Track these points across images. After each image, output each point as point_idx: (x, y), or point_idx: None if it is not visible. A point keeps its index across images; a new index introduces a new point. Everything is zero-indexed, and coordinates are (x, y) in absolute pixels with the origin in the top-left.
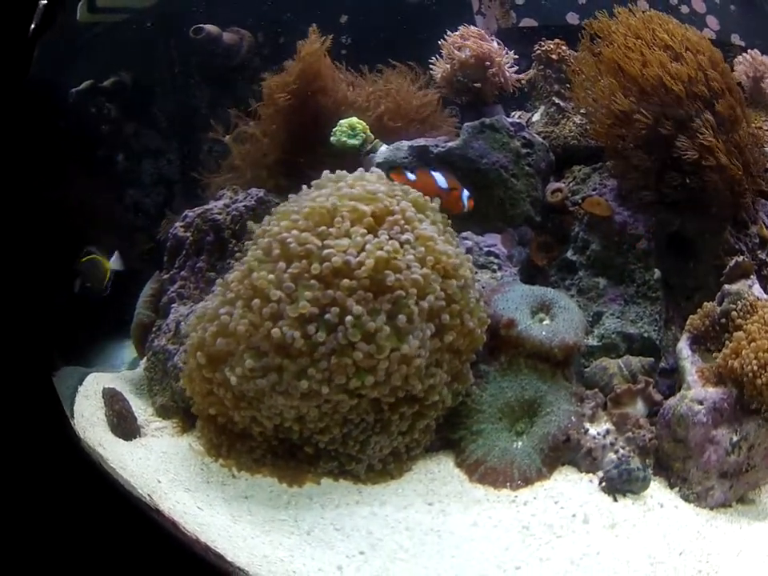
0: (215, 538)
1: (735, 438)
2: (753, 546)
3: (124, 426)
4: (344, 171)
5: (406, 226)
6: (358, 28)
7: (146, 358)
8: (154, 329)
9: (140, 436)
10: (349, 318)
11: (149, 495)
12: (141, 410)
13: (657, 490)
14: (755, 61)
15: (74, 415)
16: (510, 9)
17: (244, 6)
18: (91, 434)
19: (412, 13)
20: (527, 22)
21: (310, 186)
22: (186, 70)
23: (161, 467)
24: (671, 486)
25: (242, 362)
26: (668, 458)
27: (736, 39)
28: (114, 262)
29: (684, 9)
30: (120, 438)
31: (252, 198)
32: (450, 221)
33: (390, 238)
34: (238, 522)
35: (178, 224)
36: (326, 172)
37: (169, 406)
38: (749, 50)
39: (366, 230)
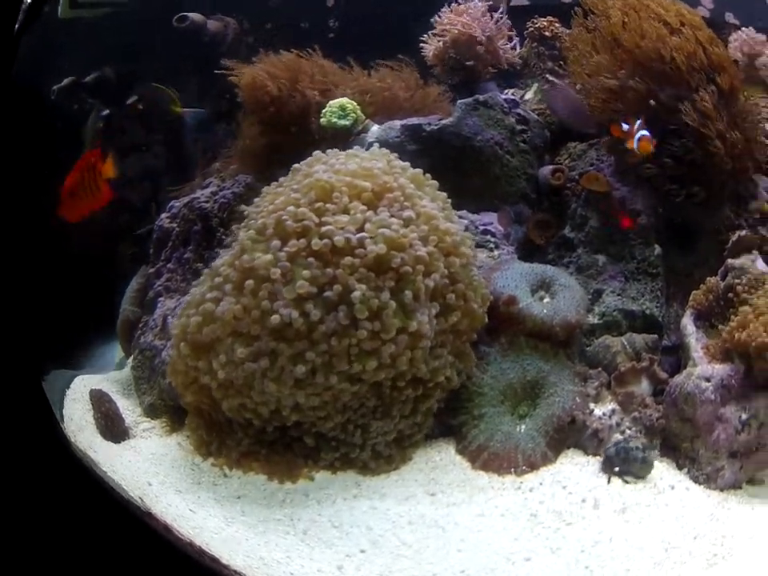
0: (209, 541)
1: (744, 416)
2: (766, 527)
3: (112, 428)
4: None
5: (405, 203)
6: (346, 11)
7: (132, 356)
8: (140, 325)
9: (129, 438)
10: (356, 293)
11: (140, 498)
12: (129, 410)
13: (665, 471)
14: (750, 38)
15: (64, 419)
16: None
17: None
18: (81, 438)
19: None
20: (519, 1)
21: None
22: (171, 60)
23: (150, 469)
24: (680, 467)
25: (231, 349)
26: (675, 437)
27: (730, 18)
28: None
29: None
30: (109, 440)
31: (240, 184)
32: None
33: (392, 216)
34: (231, 524)
35: (163, 215)
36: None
37: (157, 404)
38: (743, 28)
39: (365, 207)
